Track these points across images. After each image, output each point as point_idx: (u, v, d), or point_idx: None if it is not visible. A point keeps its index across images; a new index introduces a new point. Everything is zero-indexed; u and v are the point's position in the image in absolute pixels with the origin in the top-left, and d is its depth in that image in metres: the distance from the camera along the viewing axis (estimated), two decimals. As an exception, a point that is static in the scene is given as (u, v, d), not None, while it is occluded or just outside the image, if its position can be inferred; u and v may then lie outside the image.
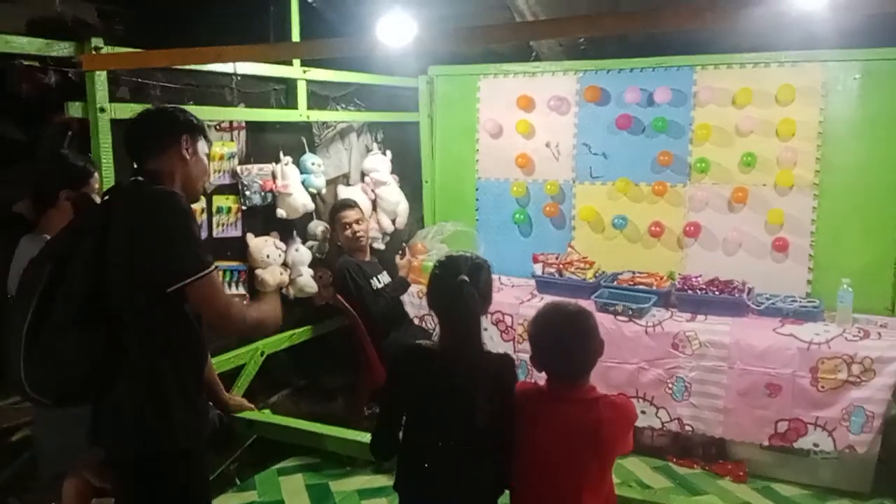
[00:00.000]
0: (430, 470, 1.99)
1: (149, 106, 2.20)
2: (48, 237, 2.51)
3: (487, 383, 1.94)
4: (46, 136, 2.96)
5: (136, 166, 2.05)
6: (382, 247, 4.57)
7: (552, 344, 2.00)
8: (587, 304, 3.84)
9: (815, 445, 3.45)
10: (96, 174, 2.73)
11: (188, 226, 1.90)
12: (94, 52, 2.84)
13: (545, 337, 2.01)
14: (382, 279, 4.16)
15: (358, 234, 4.11)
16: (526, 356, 4.05)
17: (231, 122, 3.66)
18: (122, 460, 2.02)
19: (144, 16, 3.55)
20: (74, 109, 2.86)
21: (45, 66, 2.86)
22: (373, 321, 3.97)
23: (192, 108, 3.34)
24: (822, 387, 3.40)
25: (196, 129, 2.12)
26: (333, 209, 4.21)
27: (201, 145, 2.13)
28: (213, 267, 1.93)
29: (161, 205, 1.88)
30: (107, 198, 2.06)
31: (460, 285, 1.92)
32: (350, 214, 4.13)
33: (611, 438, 1.94)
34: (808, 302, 3.88)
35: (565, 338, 1.98)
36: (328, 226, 4.21)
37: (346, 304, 3.99)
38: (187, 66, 3.37)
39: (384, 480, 3.52)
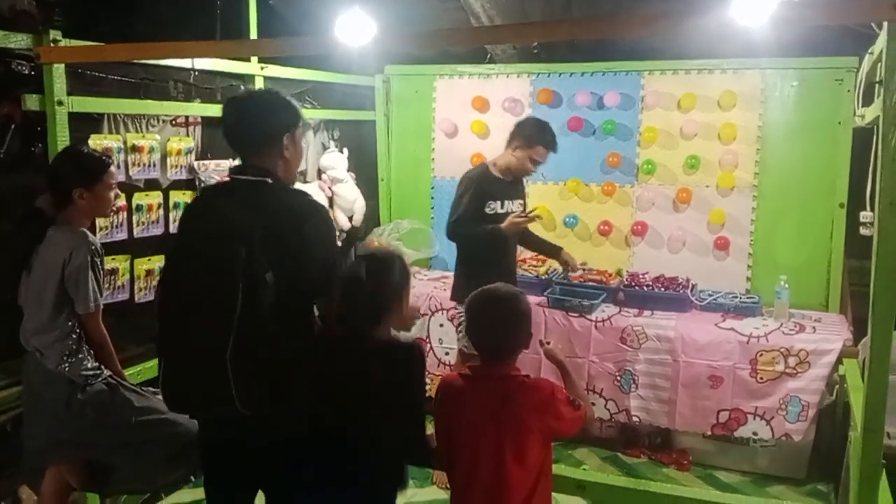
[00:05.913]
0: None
1: (255, 90, 2.19)
2: (83, 230, 2.54)
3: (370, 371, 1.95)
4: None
5: (240, 154, 2.12)
6: (338, 244, 4.60)
7: (476, 321, 2.13)
8: (540, 301, 3.97)
9: (755, 434, 3.64)
10: (112, 168, 2.67)
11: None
12: (52, 45, 2.80)
13: (472, 314, 2.14)
14: None
15: None
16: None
17: (187, 118, 3.65)
18: (272, 446, 2.03)
19: (84, 6, 3.47)
20: (32, 102, 2.80)
21: None
22: None
23: (146, 103, 3.38)
24: (761, 378, 3.59)
25: (296, 125, 2.14)
26: None
27: (299, 136, 2.16)
28: None
29: (321, 221, 2.05)
30: (228, 193, 2.08)
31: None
32: None
33: (519, 414, 1.98)
34: (748, 298, 4.08)
35: (488, 317, 2.09)
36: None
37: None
38: (144, 61, 3.35)
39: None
